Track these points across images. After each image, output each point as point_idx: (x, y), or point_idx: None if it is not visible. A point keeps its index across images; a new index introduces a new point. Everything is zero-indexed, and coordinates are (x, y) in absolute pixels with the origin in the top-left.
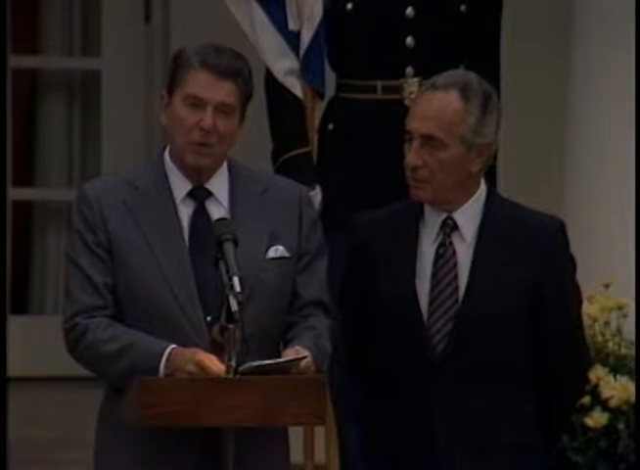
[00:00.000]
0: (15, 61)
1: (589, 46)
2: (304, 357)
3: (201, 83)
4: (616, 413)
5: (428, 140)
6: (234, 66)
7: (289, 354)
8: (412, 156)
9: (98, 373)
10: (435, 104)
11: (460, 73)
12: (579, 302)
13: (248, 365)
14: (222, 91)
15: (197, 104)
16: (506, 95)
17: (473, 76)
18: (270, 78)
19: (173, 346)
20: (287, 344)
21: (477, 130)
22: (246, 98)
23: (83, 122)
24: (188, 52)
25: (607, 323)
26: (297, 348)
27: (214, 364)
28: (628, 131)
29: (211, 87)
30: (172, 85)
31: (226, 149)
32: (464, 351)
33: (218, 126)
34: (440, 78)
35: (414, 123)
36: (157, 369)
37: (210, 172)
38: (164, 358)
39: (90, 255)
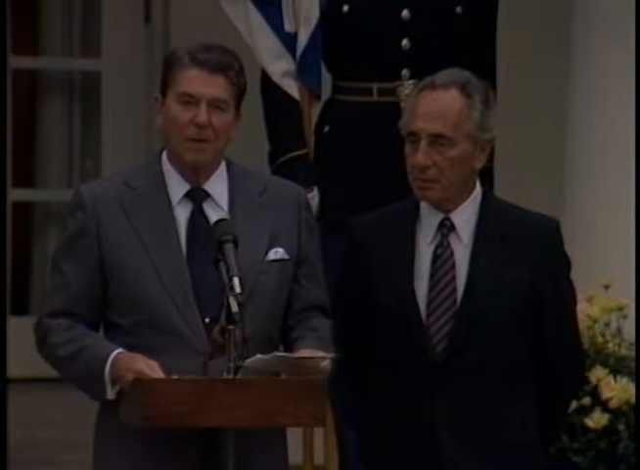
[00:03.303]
0: (15, 61)
1: (589, 46)
2: (324, 357)
3: (192, 80)
4: (616, 414)
5: (436, 139)
6: (224, 60)
7: (303, 354)
8: (421, 156)
9: (59, 375)
10: (440, 103)
11: (456, 71)
12: (575, 301)
13: (255, 358)
14: (214, 86)
15: (190, 101)
16: (505, 96)
17: (468, 73)
18: (266, 80)
19: (118, 350)
20: (291, 344)
21: (481, 125)
22: (239, 92)
23: (83, 123)
24: (178, 52)
25: (607, 324)
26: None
27: (154, 372)
28: (628, 131)
29: (203, 83)
30: (165, 86)
31: (223, 145)
32: (463, 351)
33: (213, 122)
34: (438, 78)
35: (420, 124)
36: (101, 374)
37: (208, 173)
38: (108, 364)
39: (74, 260)
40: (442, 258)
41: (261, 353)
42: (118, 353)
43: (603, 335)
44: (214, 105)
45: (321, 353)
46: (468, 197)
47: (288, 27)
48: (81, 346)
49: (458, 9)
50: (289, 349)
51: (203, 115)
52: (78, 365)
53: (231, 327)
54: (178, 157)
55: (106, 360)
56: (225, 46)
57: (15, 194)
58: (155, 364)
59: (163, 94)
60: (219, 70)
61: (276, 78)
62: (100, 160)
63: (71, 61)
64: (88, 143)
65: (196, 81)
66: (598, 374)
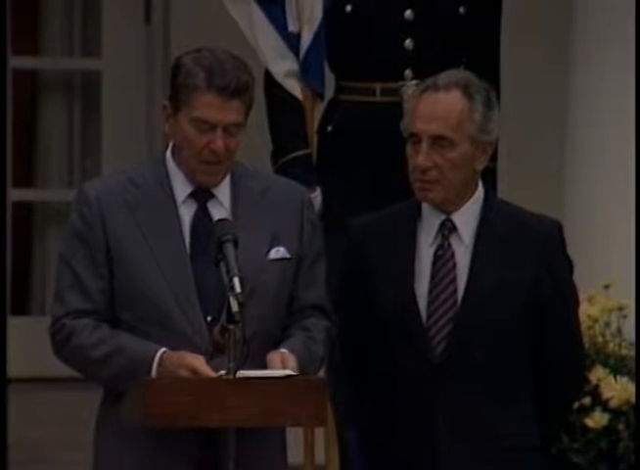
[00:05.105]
0: (15, 61)
1: (589, 46)
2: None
3: (209, 107)
4: (616, 414)
5: (437, 140)
6: (240, 83)
7: (274, 359)
8: (422, 157)
9: (86, 376)
10: (441, 104)
11: (458, 73)
12: (576, 303)
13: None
14: (231, 112)
15: (206, 127)
16: (506, 96)
17: (470, 74)
18: (270, 80)
19: (163, 350)
20: (279, 342)
21: (483, 127)
22: (250, 107)
23: (83, 123)
24: (190, 66)
25: (607, 324)
26: (283, 351)
27: (204, 366)
28: (628, 132)
29: (220, 110)
30: (177, 101)
31: (234, 160)
32: (463, 352)
33: (228, 145)
34: (440, 79)
35: (421, 125)
36: (148, 374)
37: None
38: (156, 363)
39: (85, 257)
40: (443, 259)
41: (263, 352)
42: (164, 353)
43: (603, 335)
44: (229, 129)
45: (288, 357)
46: (469, 198)
47: (291, 27)
48: (117, 347)
49: (461, 9)
50: (276, 346)
51: (219, 142)
52: (114, 367)
53: (231, 327)
54: (191, 174)
55: (151, 361)
56: (236, 55)
57: (15, 194)
58: (200, 357)
59: (174, 107)
60: (236, 95)
61: (279, 78)
62: (100, 159)
63: (72, 61)
64: (88, 143)
65: (212, 108)
66: (598, 374)
